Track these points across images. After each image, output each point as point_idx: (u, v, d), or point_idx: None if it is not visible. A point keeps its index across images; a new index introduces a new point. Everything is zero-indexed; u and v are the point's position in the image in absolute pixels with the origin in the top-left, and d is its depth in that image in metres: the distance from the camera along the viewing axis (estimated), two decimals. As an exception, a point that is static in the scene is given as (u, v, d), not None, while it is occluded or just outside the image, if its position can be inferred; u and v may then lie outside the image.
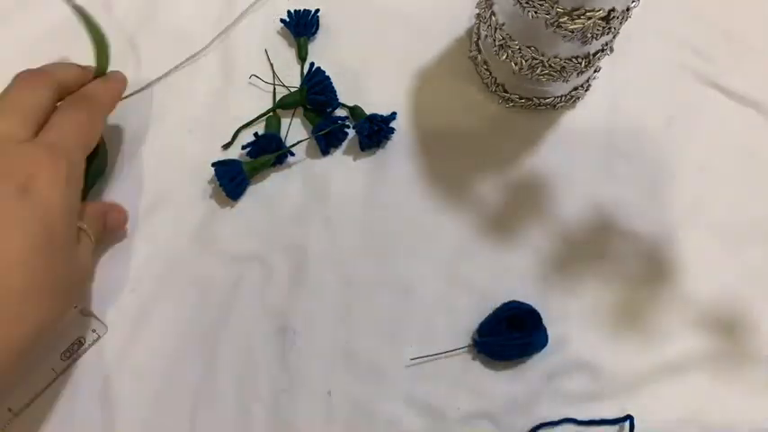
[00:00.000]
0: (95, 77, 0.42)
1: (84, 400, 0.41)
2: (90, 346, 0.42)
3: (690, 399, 0.42)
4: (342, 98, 0.47)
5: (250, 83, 0.48)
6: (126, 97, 0.47)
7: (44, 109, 0.38)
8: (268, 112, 0.47)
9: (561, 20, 0.37)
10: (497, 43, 0.43)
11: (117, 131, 0.47)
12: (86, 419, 0.40)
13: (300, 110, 0.47)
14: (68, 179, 0.36)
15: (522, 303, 0.42)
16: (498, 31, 0.42)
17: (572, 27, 0.37)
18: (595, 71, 0.47)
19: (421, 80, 0.49)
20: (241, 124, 0.47)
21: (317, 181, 0.46)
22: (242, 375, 0.42)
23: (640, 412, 0.41)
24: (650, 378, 0.42)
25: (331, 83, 0.46)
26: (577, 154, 0.47)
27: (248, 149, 0.45)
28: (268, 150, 0.45)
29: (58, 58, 0.48)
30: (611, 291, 0.44)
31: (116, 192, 0.45)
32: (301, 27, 0.49)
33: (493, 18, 0.42)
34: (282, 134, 0.47)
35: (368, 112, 0.46)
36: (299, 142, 0.46)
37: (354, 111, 0.47)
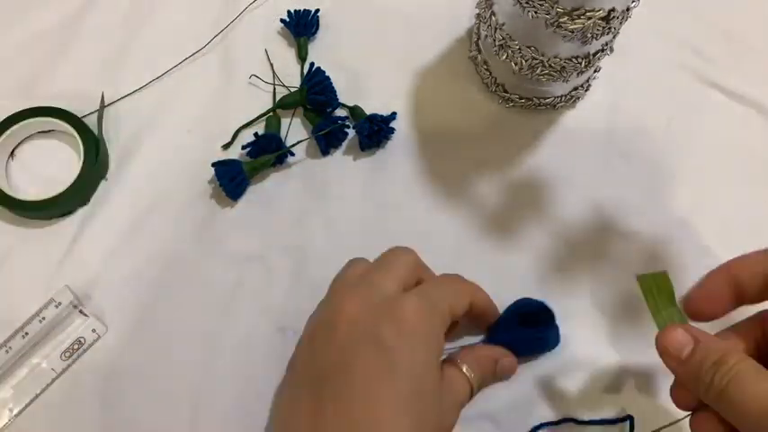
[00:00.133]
0: None
1: (84, 400, 0.41)
2: (90, 346, 0.42)
3: (690, 399, 0.42)
4: (342, 98, 0.47)
5: (250, 83, 0.48)
6: (126, 97, 0.47)
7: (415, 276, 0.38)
8: (268, 112, 0.47)
9: (561, 20, 0.37)
10: (497, 43, 0.43)
11: (117, 131, 0.47)
12: (86, 419, 0.40)
13: (300, 110, 0.47)
14: (434, 326, 0.35)
15: (534, 300, 0.42)
16: (498, 31, 0.42)
17: (572, 27, 0.37)
18: (595, 71, 0.47)
19: (421, 80, 0.49)
20: (241, 124, 0.47)
21: (316, 181, 0.46)
22: (242, 375, 0.42)
23: (640, 412, 0.41)
24: (650, 378, 0.42)
25: (331, 83, 0.46)
26: (577, 154, 0.47)
27: (248, 149, 0.45)
28: (268, 150, 0.45)
29: (59, 58, 0.48)
30: (611, 291, 0.44)
31: (116, 192, 0.45)
32: (301, 27, 0.49)
33: (493, 18, 0.42)
34: (282, 134, 0.47)
35: (368, 112, 0.46)
36: (299, 142, 0.46)
37: (354, 111, 0.47)
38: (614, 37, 0.42)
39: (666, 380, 0.42)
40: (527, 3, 0.37)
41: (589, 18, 0.37)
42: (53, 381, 0.41)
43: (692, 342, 0.31)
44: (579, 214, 0.46)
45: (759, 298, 0.33)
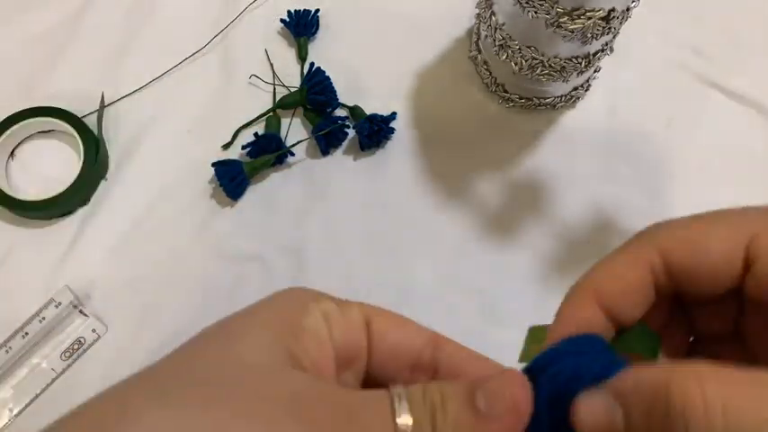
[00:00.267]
0: None
1: (84, 400, 0.41)
2: (90, 346, 0.42)
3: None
4: (342, 98, 0.47)
5: (250, 83, 0.48)
6: (126, 97, 0.47)
7: None
8: (268, 112, 0.47)
9: (561, 20, 0.37)
10: (497, 43, 0.43)
11: (117, 131, 0.47)
12: (86, 419, 0.40)
13: (300, 110, 0.47)
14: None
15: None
16: (498, 31, 0.42)
17: (572, 27, 0.37)
18: (595, 71, 0.47)
19: (421, 80, 0.49)
20: (241, 124, 0.47)
21: (316, 181, 0.46)
22: (242, 375, 0.42)
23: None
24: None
25: (331, 83, 0.46)
26: (577, 154, 0.47)
27: (248, 149, 0.45)
28: (268, 150, 0.45)
29: (58, 58, 0.48)
30: (611, 291, 0.44)
31: (116, 192, 0.45)
32: (301, 27, 0.49)
33: (493, 18, 0.42)
34: (282, 134, 0.47)
35: (368, 112, 0.46)
36: (299, 142, 0.46)
37: (354, 111, 0.47)
38: (614, 37, 0.42)
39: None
40: (527, 3, 0.37)
41: (589, 18, 0.37)
42: (53, 381, 0.41)
43: (613, 400, 0.19)
44: (579, 214, 0.45)
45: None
